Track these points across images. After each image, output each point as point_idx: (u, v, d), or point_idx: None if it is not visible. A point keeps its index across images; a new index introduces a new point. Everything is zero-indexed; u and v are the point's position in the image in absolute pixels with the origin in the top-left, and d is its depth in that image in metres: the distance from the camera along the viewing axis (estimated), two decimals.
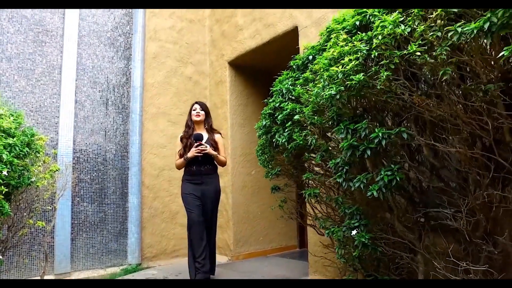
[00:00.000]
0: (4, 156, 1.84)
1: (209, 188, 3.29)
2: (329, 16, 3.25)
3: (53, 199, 3.39)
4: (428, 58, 1.22)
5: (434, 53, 1.20)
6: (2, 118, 2.01)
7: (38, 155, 2.50)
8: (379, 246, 1.79)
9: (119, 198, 4.16)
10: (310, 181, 2.47)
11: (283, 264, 4.16)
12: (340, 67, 1.46)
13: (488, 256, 1.48)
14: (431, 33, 1.20)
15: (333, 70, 1.49)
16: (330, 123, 1.74)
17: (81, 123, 4.00)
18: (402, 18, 1.32)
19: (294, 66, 2.40)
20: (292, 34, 3.79)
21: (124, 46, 4.44)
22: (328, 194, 2.29)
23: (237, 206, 4.59)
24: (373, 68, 1.39)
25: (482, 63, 1.19)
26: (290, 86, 2.26)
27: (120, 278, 3.76)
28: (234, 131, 4.68)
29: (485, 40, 1.04)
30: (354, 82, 1.41)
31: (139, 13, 4.47)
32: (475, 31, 1.04)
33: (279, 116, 2.24)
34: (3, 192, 1.87)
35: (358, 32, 1.54)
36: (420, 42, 1.24)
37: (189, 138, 3.33)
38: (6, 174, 1.86)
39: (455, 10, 1.15)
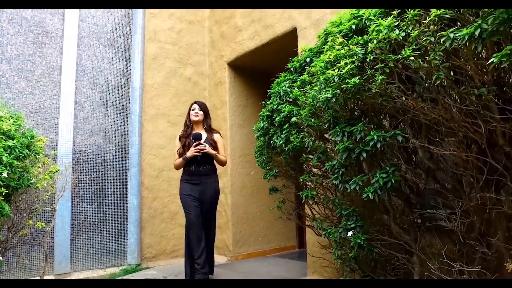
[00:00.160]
0: (4, 158, 1.86)
1: (208, 188, 3.27)
2: (328, 17, 3.26)
3: (53, 200, 3.41)
4: (421, 63, 1.24)
5: (427, 58, 1.22)
6: (2, 120, 2.02)
7: (37, 156, 2.52)
8: (375, 247, 1.81)
9: (118, 199, 4.18)
10: (308, 182, 2.48)
11: (282, 265, 4.18)
12: (336, 70, 1.48)
13: (482, 257, 1.50)
14: (425, 38, 1.22)
15: (329, 73, 1.51)
16: (326, 125, 1.75)
17: (80, 124, 4.02)
18: (397, 23, 1.34)
19: (292, 68, 2.41)
20: (291, 35, 3.80)
21: (123, 47, 4.45)
22: (325, 196, 2.31)
23: (236, 207, 4.60)
24: (368, 72, 1.41)
25: (475, 67, 1.20)
26: (288, 88, 2.27)
27: (119, 278, 3.78)
28: (233, 132, 4.70)
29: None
30: (349, 85, 1.42)
31: (138, 14, 4.49)
32: (466, 37, 1.06)
33: (276, 118, 2.25)
34: (3, 194, 1.89)
35: (354, 35, 1.56)
36: (414, 47, 1.26)
37: (188, 137, 3.30)
38: (6, 176, 1.88)
39: (448, 16, 1.16)
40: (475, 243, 1.43)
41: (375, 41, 1.35)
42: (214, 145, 3.32)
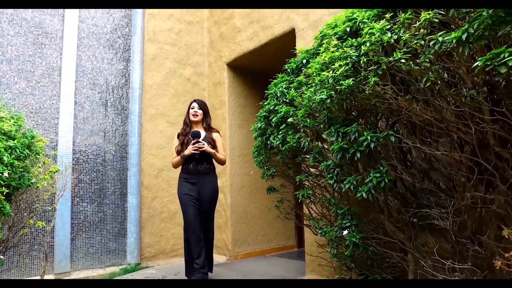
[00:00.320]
0: (5, 158, 1.89)
1: (206, 187, 3.24)
2: (325, 18, 3.29)
3: (53, 199, 3.44)
4: (412, 65, 1.27)
5: (418, 60, 1.25)
6: (3, 121, 2.05)
7: (38, 156, 2.55)
8: (370, 246, 1.83)
9: (118, 199, 4.21)
10: (305, 182, 2.51)
11: (280, 264, 4.20)
12: (331, 72, 1.51)
13: (474, 255, 1.52)
14: (415, 41, 1.25)
15: (324, 75, 1.54)
16: (322, 126, 1.78)
17: (80, 124, 4.04)
18: (389, 26, 1.37)
19: (289, 70, 2.44)
20: (290, 36, 3.83)
21: (123, 48, 4.48)
22: (323, 195, 2.34)
23: (236, 206, 4.63)
24: (362, 74, 1.44)
25: (465, 69, 1.23)
26: (285, 89, 2.30)
27: (119, 277, 3.81)
28: (232, 132, 4.73)
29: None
30: (343, 87, 1.45)
31: (138, 15, 4.52)
32: (454, 41, 1.09)
33: (273, 119, 2.28)
34: (4, 193, 1.92)
35: (349, 38, 1.59)
36: (406, 49, 1.29)
37: (187, 135, 3.28)
38: (7, 176, 1.91)
39: (437, 20, 1.19)
40: (467, 241, 1.46)
41: (368, 44, 1.38)
42: (213, 144, 3.30)
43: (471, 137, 1.31)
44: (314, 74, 1.71)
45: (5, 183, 1.93)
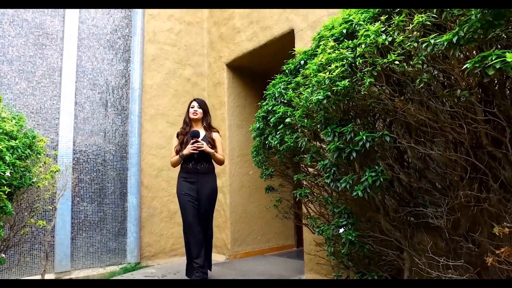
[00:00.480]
0: (7, 157, 1.92)
1: (205, 187, 3.23)
2: (324, 19, 3.31)
3: (54, 199, 3.47)
4: (406, 67, 1.30)
5: (411, 62, 1.28)
6: (5, 121, 2.08)
7: (39, 156, 2.58)
8: (366, 244, 1.86)
9: (118, 198, 4.24)
10: (304, 182, 2.54)
11: (279, 263, 4.23)
12: (328, 73, 1.54)
13: (469, 253, 1.55)
14: (409, 43, 1.27)
15: (320, 76, 1.57)
16: (319, 126, 1.81)
17: (81, 125, 4.07)
18: (384, 28, 1.40)
19: (287, 71, 2.47)
20: (289, 37, 3.86)
21: (123, 48, 4.51)
22: (320, 194, 2.37)
23: (235, 206, 4.65)
24: (358, 75, 1.47)
25: (458, 71, 1.26)
26: (283, 90, 2.33)
27: (119, 276, 3.83)
28: (232, 132, 4.75)
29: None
30: (339, 87, 1.48)
31: (138, 15, 4.55)
32: (445, 43, 1.11)
33: (271, 119, 2.31)
34: (6, 192, 1.95)
35: (345, 39, 1.62)
36: (399, 51, 1.32)
37: (186, 135, 3.27)
38: (9, 175, 1.94)
39: (429, 22, 1.22)
40: (460, 239, 1.48)
41: (363, 46, 1.40)
42: (212, 144, 3.29)
43: (464, 137, 1.33)
44: (311, 75, 1.74)
45: (7, 182, 1.96)
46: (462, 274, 1.42)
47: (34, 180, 2.40)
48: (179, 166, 3.36)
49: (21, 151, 2.10)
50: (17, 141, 2.09)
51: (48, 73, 3.94)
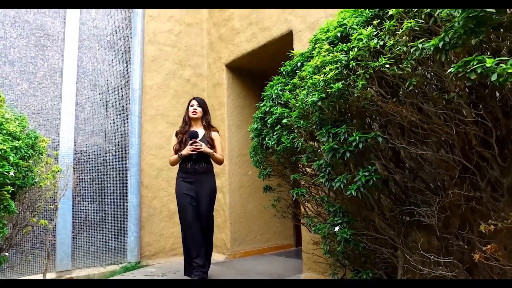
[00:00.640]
0: (11, 158, 1.96)
1: (204, 186, 3.23)
2: (322, 20, 3.35)
3: (55, 198, 3.51)
4: (396, 70, 1.34)
5: (401, 66, 1.32)
6: (8, 122, 2.13)
7: (41, 156, 2.63)
8: (361, 242, 1.91)
9: (118, 198, 4.28)
10: (301, 181, 2.58)
11: (278, 263, 4.27)
12: (322, 75, 1.58)
13: (460, 250, 1.60)
14: (399, 48, 1.32)
15: (315, 78, 1.61)
16: (314, 127, 1.85)
17: (81, 125, 4.12)
18: (376, 32, 1.45)
19: (284, 72, 2.51)
20: (287, 38, 3.90)
21: (123, 49, 4.56)
22: (317, 193, 2.41)
23: (234, 206, 4.70)
24: (351, 77, 1.51)
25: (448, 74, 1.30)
26: (280, 91, 2.38)
27: (120, 275, 3.88)
28: (231, 133, 4.80)
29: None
30: (333, 90, 1.53)
31: (138, 17, 4.59)
32: (432, 48, 1.16)
33: (269, 120, 2.36)
34: (10, 192, 2.00)
35: (340, 43, 1.66)
36: (390, 55, 1.36)
37: (185, 134, 3.27)
38: (13, 175, 1.99)
39: (417, 28, 1.27)
40: (450, 236, 1.53)
41: (356, 49, 1.45)
42: (211, 143, 3.29)
43: (453, 138, 1.38)
44: (307, 77, 1.78)
45: (11, 182, 2.01)
46: (452, 270, 1.46)
47: (36, 180, 2.45)
48: (178, 166, 3.38)
49: (24, 151, 2.15)
50: (20, 142, 2.14)
51: (49, 74, 3.98)
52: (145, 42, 4.65)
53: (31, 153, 2.30)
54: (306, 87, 1.77)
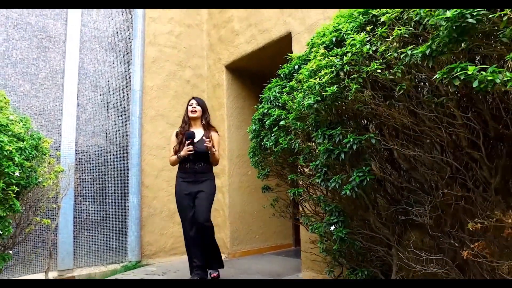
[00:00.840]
0: (16, 158, 2.02)
1: (203, 186, 3.24)
2: (321, 22, 3.39)
3: (57, 198, 3.56)
4: (388, 75, 1.40)
5: (392, 71, 1.37)
6: (13, 124, 2.18)
7: (44, 157, 2.68)
8: (357, 241, 1.96)
9: (119, 198, 4.33)
10: (300, 181, 2.63)
11: (277, 262, 4.32)
12: (318, 79, 1.63)
13: (453, 249, 1.65)
14: (390, 54, 1.37)
15: (311, 81, 1.66)
16: (310, 128, 1.91)
17: (83, 126, 4.17)
18: (369, 38, 1.50)
19: (282, 75, 2.57)
20: (286, 40, 3.94)
21: (124, 51, 4.61)
22: (315, 193, 2.46)
23: (234, 206, 4.74)
24: (345, 81, 1.56)
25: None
26: (278, 94, 2.43)
27: (120, 274, 3.93)
28: (231, 133, 4.84)
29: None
30: (328, 93, 1.58)
31: (138, 18, 4.64)
32: (420, 55, 1.21)
33: (267, 122, 2.41)
34: (15, 191, 2.06)
35: (335, 47, 1.71)
36: (381, 60, 1.42)
37: (184, 134, 3.28)
38: (18, 175, 2.05)
39: (407, 35, 1.32)
40: (441, 235, 1.58)
41: (349, 54, 1.50)
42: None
43: (443, 139, 1.43)
44: (304, 80, 1.83)
45: (15, 182, 2.07)
46: (443, 267, 1.52)
47: (39, 180, 2.51)
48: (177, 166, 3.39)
49: (28, 152, 2.21)
50: (24, 143, 2.20)
51: (51, 75, 4.03)
52: (145, 43, 4.70)
53: (35, 153, 2.35)
54: (302, 90, 1.82)
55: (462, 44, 1.11)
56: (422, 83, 1.57)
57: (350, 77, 1.54)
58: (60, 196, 3.49)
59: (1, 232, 2.03)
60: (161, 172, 4.63)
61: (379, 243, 2.00)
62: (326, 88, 1.58)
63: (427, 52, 1.18)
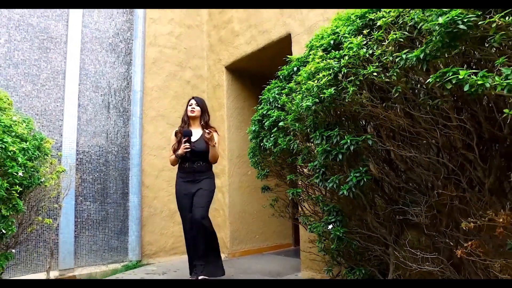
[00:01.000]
0: (19, 159, 2.05)
1: (202, 184, 3.23)
2: (320, 24, 3.41)
3: (58, 198, 3.59)
4: (383, 78, 1.43)
5: (388, 74, 1.41)
6: (16, 125, 2.22)
7: (46, 157, 2.72)
8: (354, 240, 1.99)
9: (120, 198, 4.36)
10: (299, 182, 2.67)
11: (277, 261, 4.35)
12: (316, 81, 1.67)
13: (449, 248, 1.68)
14: (385, 57, 1.40)
15: (310, 83, 1.70)
16: (309, 129, 1.94)
17: (84, 126, 4.20)
18: (365, 42, 1.53)
19: (281, 76, 2.60)
20: (286, 41, 3.97)
21: (125, 51, 4.64)
22: (314, 193, 2.50)
23: (234, 206, 4.77)
24: (343, 83, 1.60)
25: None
26: (277, 95, 2.46)
27: (121, 274, 3.95)
28: (231, 134, 4.87)
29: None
30: (326, 95, 1.61)
31: (139, 19, 4.67)
32: (415, 59, 1.24)
33: (266, 123, 2.45)
34: (18, 191, 2.09)
35: (333, 50, 1.75)
36: (378, 64, 1.45)
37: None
38: (21, 175, 2.08)
39: (402, 39, 1.35)
40: (436, 234, 1.61)
41: (347, 57, 1.54)
42: (209, 138, 3.18)
43: (437, 141, 1.46)
44: (303, 82, 1.86)
45: (19, 182, 2.11)
46: (438, 265, 1.55)
47: (42, 180, 2.54)
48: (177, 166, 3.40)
49: (31, 152, 2.24)
50: (27, 143, 2.23)
51: (52, 76, 4.07)
52: (146, 44, 4.73)
53: (37, 154, 2.39)
54: (301, 92, 1.86)
55: (456, 49, 1.14)
56: (418, 86, 1.60)
57: (348, 79, 1.58)
58: (62, 196, 3.52)
59: (4, 231, 2.06)
60: (161, 172, 4.66)
61: (377, 243, 2.03)
62: (324, 90, 1.61)
63: (421, 56, 1.21)
